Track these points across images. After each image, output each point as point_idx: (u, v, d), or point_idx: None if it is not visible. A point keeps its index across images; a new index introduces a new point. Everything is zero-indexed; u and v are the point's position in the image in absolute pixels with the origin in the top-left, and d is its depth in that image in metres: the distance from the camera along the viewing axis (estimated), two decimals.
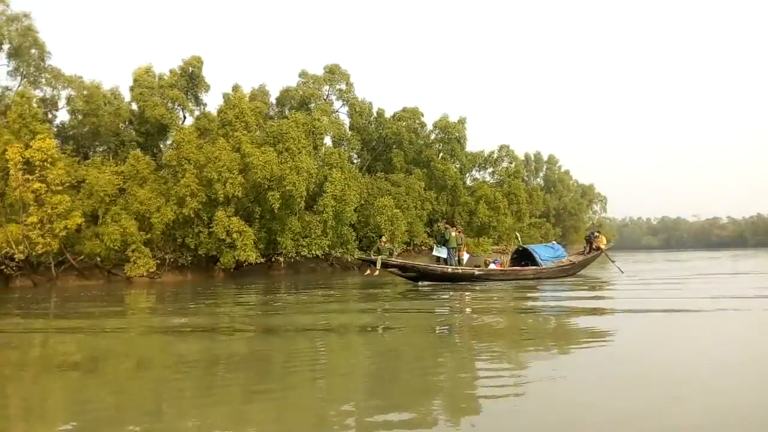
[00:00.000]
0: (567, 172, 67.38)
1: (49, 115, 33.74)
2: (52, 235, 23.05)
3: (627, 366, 5.41)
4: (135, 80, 33.29)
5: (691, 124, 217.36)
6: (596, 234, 21.23)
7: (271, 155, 26.13)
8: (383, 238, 19.22)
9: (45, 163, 22.53)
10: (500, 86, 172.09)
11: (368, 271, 16.66)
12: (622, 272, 19.12)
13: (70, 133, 34.26)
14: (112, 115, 32.69)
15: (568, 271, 18.38)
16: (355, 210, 31.67)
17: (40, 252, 23.12)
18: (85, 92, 31.59)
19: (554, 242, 22.46)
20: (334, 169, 29.74)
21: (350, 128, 44.00)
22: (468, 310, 10.43)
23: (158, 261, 26.36)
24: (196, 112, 34.59)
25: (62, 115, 34.61)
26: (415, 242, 39.18)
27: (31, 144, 22.29)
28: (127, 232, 24.56)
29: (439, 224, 22.51)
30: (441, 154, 44.94)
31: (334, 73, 42.28)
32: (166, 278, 28.82)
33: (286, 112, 40.37)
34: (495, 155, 48.71)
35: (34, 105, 31.08)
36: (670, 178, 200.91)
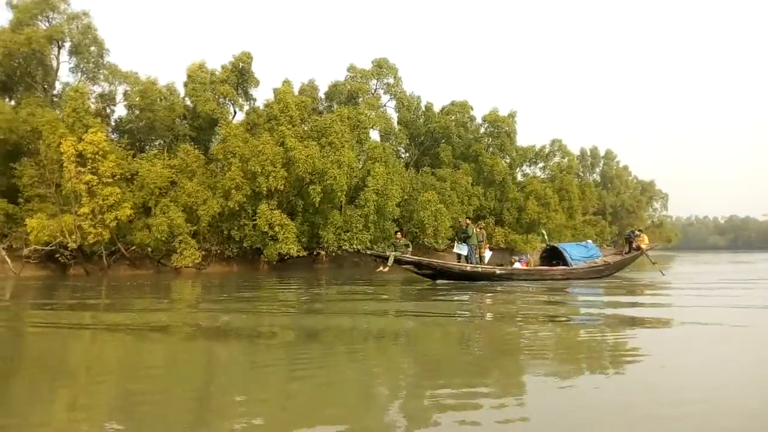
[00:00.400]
0: (626, 168, 64.80)
1: (108, 110, 35.21)
2: (103, 226, 23.97)
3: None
4: (189, 76, 34.20)
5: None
6: (637, 233, 19.92)
7: (313, 149, 26.24)
8: (398, 234, 18.23)
9: (96, 156, 23.40)
10: (554, 78, 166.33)
11: (380, 268, 15.38)
12: (663, 274, 17.81)
13: (127, 127, 35.59)
14: (167, 110, 33.58)
15: (602, 273, 17.13)
16: (398, 205, 31.49)
17: (91, 242, 24.09)
18: (138, 88, 32.62)
19: (589, 241, 21.10)
20: (377, 164, 29.58)
21: (398, 122, 43.89)
22: (488, 315, 9.76)
23: (204, 252, 26.98)
24: (246, 107, 35.29)
25: (120, 110, 36.09)
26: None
27: (83, 137, 23.16)
28: (174, 224, 25.25)
29: (460, 220, 21.42)
30: (490, 149, 44.07)
31: (382, 67, 42.14)
32: (213, 269, 29.56)
33: (335, 106, 40.57)
34: (546, 150, 47.34)
35: (92, 100, 32.78)
36: (741, 174, 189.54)
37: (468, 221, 18.47)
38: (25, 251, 24.01)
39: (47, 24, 30.79)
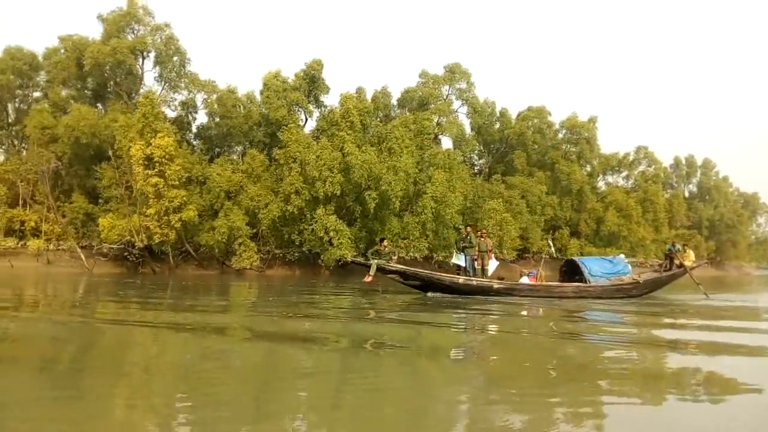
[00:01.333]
0: (725, 179, 59.44)
1: (190, 117, 37.09)
2: (169, 227, 25.10)
3: None
4: (264, 84, 35.12)
5: None
6: (678, 247, 17.32)
7: (369, 155, 26.10)
8: (384, 242, 16.19)
9: (163, 160, 24.52)
10: (642, 79, 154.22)
11: (366, 277, 13.93)
12: (708, 297, 15.51)
13: (207, 133, 37.32)
14: (245, 117, 34.81)
15: (629, 292, 14.99)
16: (461, 213, 30.65)
17: (157, 241, 25.30)
18: (215, 95, 34.08)
19: (619, 255, 18.03)
20: (437, 170, 28.96)
21: (471, 129, 42.99)
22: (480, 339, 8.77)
23: (262, 255, 27.57)
24: (316, 114, 35.88)
25: (202, 117, 37.84)
26: (532, 249, 37.04)
27: (152, 141, 24.40)
28: (234, 227, 25.99)
29: (460, 226, 19.36)
30: (568, 157, 42.00)
31: (454, 72, 41.41)
32: (275, 272, 30.16)
33: (406, 113, 40.36)
34: (631, 157, 44.42)
35: (173, 108, 34.69)
36: None
37: (469, 229, 16.97)
38: (97, 249, 25.60)
39: (133, 36, 32.82)
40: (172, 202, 24.96)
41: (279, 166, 28.64)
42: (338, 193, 26.25)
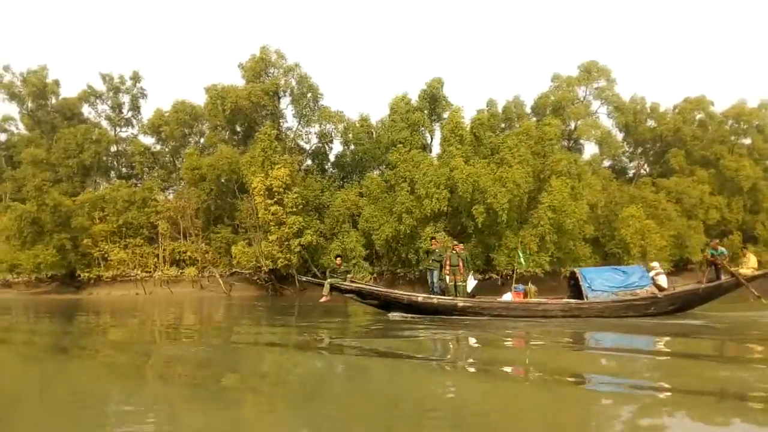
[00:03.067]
0: None
1: (326, 148, 39.48)
2: (289, 251, 26.85)
3: None
4: (391, 108, 36.15)
5: None
6: (724, 251, 13.85)
7: (474, 168, 25.28)
8: (338, 259, 15.02)
9: (280, 189, 26.42)
10: None
11: (322, 297, 13.27)
12: None
13: (342, 161, 39.42)
14: (375, 142, 36.04)
15: (644, 310, 12.17)
16: (598, 222, 28.12)
17: (280, 266, 27.19)
18: (341, 125, 35.93)
19: (640, 265, 14.65)
20: (558, 178, 26.97)
21: (616, 129, 39.45)
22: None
23: (374, 276, 28.05)
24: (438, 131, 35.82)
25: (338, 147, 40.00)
26: (692, 260, 32.33)
27: (270, 173, 26.47)
28: (347, 248, 26.91)
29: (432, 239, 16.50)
30: (736, 150, 36.19)
31: (590, 71, 38.44)
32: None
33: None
34: None
35: (305, 140, 37.19)
36: None
37: (434, 242, 15.08)
38: (232, 274, 28.31)
39: (268, 79, 36.04)
40: (291, 228, 26.68)
41: (391, 187, 29.06)
42: (445, 209, 25.78)
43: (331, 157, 40.10)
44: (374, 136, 36.82)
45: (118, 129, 41.58)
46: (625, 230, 28.12)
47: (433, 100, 35.36)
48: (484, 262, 27.58)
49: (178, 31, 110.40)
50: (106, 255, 32.03)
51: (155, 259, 33.14)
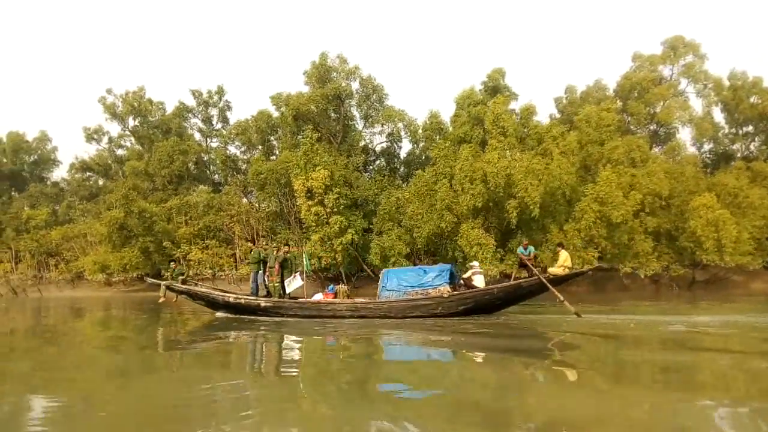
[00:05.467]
0: None
1: (394, 147, 39.79)
2: (332, 250, 27.51)
3: None
4: (456, 102, 35.70)
5: None
6: (532, 249, 13.41)
7: (507, 161, 24.08)
8: (172, 264, 15.86)
9: (320, 191, 27.16)
10: None
11: (160, 299, 14.32)
12: (579, 317, 11.03)
13: (409, 158, 39.52)
14: (443, 139, 35.78)
15: (432, 310, 11.71)
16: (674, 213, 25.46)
17: (324, 264, 27.92)
18: (400, 124, 36.00)
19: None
20: (608, 167, 24.85)
21: (715, 108, 35.28)
22: None
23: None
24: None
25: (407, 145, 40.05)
26: None
27: (310, 176, 27.31)
28: (385, 246, 26.96)
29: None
30: None
31: (675, 48, 34.70)
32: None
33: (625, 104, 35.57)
34: None
35: (368, 140, 37.66)
36: None
37: (251, 245, 15.80)
38: None
39: (330, 83, 37.10)
40: (333, 227, 27.32)
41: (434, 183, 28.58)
42: (479, 204, 24.84)
43: (403, 155, 40.52)
44: (442, 132, 36.40)
45: (209, 140, 45.30)
46: (695, 221, 25.11)
47: (495, 91, 34.19)
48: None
49: (264, 43, 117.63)
50: (186, 256, 35.08)
51: (230, 259, 35.66)
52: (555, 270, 12.58)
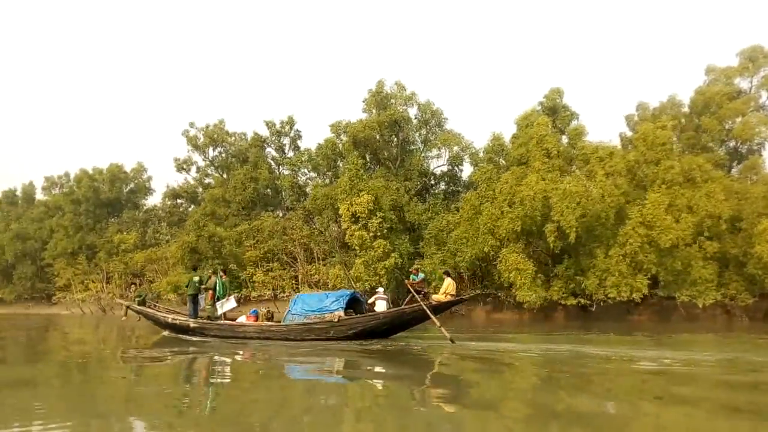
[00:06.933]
0: None
1: (455, 170, 39.69)
2: (375, 273, 27.88)
3: None
4: (516, 123, 35.16)
5: None
6: (422, 275, 13.76)
7: (542, 184, 23.32)
8: (133, 286, 16.35)
9: (365, 215, 27.74)
10: None
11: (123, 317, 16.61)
12: (453, 342, 11.14)
13: (470, 181, 39.22)
14: (506, 161, 35.39)
15: (324, 334, 12.27)
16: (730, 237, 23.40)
17: (369, 287, 28.32)
18: (456, 147, 35.97)
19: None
20: (656, 189, 23.33)
21: None
22: None
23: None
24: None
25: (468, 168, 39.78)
26: None
27: (354, 201, 28.00)
28: (426, 270, 26.88)
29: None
30: None
31: (754, 59, 31.98)
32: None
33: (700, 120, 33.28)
34: None
35: (425, 164, 37.81)
36: None
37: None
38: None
39: (387, 110, 37.85)
40: (377, 251, 27.73)
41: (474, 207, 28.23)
42: (518, 228, 24.16)
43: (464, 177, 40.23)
44: (504, 154, 35.92)
45: (281, 167, 47.58)
46: (761, 246, 22.82)
47: (553, 111, 33.29)
48: (579, 286, 24.88)
49: (334, 72, 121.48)
50: (251, 278, 36.92)
51: (291, 281, 37.03)
52: (438, 297, 12.84)
